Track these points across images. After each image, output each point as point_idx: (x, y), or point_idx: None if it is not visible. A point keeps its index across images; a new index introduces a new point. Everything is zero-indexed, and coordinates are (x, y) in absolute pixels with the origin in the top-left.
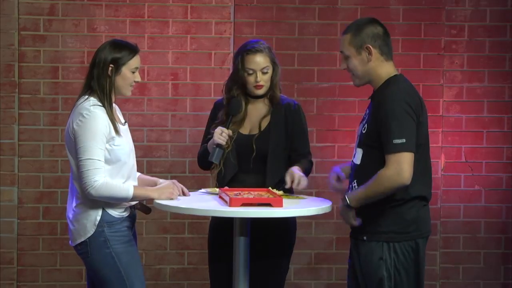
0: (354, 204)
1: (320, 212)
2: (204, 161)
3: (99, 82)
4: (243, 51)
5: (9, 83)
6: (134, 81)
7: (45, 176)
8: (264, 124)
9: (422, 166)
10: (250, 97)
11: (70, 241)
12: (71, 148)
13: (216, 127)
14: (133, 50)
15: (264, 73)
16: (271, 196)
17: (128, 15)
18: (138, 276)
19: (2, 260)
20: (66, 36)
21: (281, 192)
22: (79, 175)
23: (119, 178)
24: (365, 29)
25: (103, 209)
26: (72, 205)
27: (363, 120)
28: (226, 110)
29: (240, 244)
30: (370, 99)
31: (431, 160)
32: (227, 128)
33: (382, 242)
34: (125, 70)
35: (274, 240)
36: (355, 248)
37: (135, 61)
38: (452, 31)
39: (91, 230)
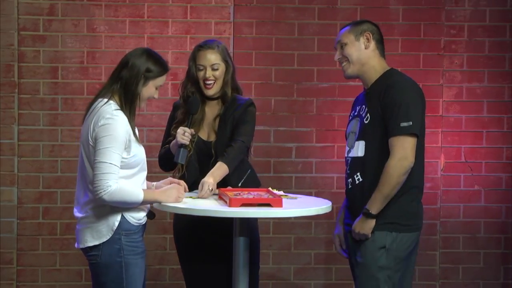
0: (376, 210)
1: (320, 212)
2: (166, 162)
3: (127, 86)
4: (196, 48)
5: (8, 83)
6: (153, 97)
7: (44, 176)
8: (217, 128)
9: (421, 156)
10: (206, 98)
11: (76, 243)
12: (89, 150)
13: (176, 127)
14: (166, 68)
15: (213, 70)
16: (270, 196)
17: (128, 15)
18: None
19: (1, 260)
20: (66, 36)
21: (280, 192)
22: (93, 177)
23: (137, 184)
24: (365, 23)
25: (122, 216)
26: (85, 207)
27: (355, 116)
28: (185, 109)
29: (240, 244)
30: (366, 93)
31: (431, 160)
32: (189, 128)
33: (386, 231)
34: (152, 84)
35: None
36: (354, 242)
37: (162, 79)
38: (452, 31)
39: (107, 235)
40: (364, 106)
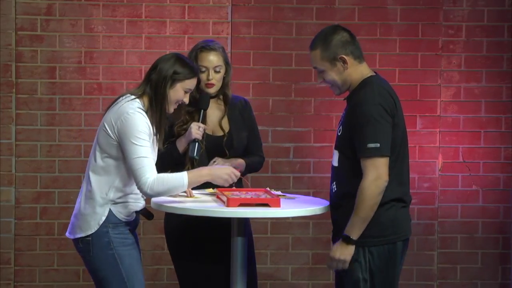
0: (356, 235)
1: (318, 212)
2: (169, 161)
3: (156, 88)
4: (197, 49)
5: (6, 83)
6: (182, 100)
7: (42, 176)
8: (225, 125)
9: (398, 168)
10: None
11: (68, 232)
12: (104, 142)
13: (180, 126)
14: (194, 72)
15: (216, 72)
16: (268, 196)
17: (126, 15)
18: (139, 279)
19: None
20: (63, 36)
21: (278, 192)
22: (133, 176)
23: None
24: (333, 40)
25: (110, 211)
26: (81, 197)
27: (340, 121)
28: (189, 108)
29: (238, 244)
30: (346, 100)
31: (429, 160)
32: (201, 123)
33: (357, 246)
34: (180, 86)
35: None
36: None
37: (191, 82)
38: (450, 31)
39: (93, 228)
40: (345, 113)
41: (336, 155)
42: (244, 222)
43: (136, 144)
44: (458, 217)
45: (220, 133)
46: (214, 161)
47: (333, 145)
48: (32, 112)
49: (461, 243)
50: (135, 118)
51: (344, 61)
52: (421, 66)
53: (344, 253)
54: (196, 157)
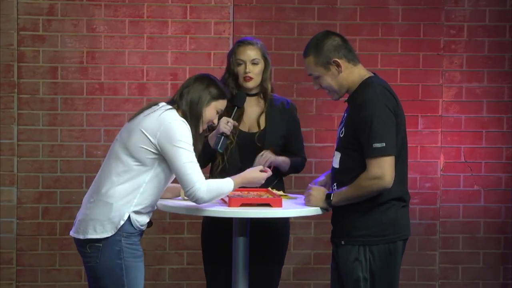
0: (335, 200)
1: (320, 212)
2: (201, 157)
3: (191, 105)
4: (236, 44)
5: (8, 83)
6: (212, 121)
7: (44, 176)
8: (262, 122)
9: (399, 167)
10: (245, 94)
11: (74, 231)
12: (138, 146)
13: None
14: (225, 93)
15: (253, 65)
16: (270, 196)
17: (127, 15)
18: None
19: (1, 260)
20: (65, 36)
21: (280, 192)
22: (181, 181)
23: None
24: (325, 45)
25: (129, 218)
26: (94, 198)
27: (341, 123)
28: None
29: (240, 245)
30: (346, 102)
31: (431, 160)
32: (232, 119)
33: (357, 245)
34: (213, 105)
35: (270, 238)
36: (336, 252)
37: (223, 103)
38: (451, 31)
39: (109, 232)
40: (346, 115)
41: (337, 157)
42: (284, 223)
43: (185, 149)
44: (460, 217)
45: (256, 130)
46: (262, 154)
47: (335, 146)
48: (34, 112)
49: (463, 243)
50: (182, 125)
51: (338, 65)
52: (423, 66)
53: (317, 198)
54: (220, 150)
